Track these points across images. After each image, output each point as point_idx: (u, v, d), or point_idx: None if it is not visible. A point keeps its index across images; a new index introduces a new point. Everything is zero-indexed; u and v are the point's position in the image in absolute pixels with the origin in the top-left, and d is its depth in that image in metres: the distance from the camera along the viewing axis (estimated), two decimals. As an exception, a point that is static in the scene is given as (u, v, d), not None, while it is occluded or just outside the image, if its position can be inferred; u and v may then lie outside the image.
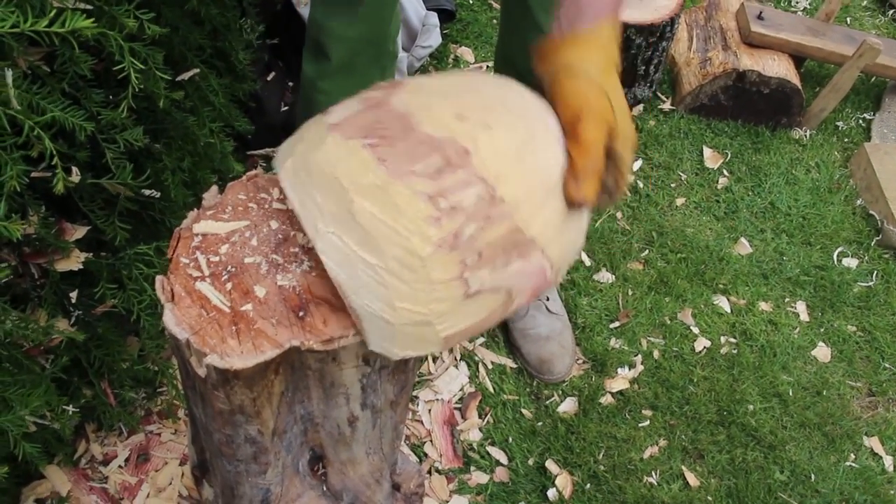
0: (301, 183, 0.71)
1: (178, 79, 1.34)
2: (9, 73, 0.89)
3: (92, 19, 0.85)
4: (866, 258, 2.19)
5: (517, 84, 0.78)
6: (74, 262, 1.16)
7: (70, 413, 1.23)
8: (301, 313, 0.72)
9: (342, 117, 0.72)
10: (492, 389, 1.78)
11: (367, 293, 0.68)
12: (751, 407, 1.82)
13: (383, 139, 0.68)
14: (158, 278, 0.71)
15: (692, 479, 1.69)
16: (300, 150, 0.72)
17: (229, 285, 0.73)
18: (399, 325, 0.68)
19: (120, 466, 1.52)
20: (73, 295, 1.22)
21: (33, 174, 1.03)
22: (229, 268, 0.74)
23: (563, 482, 1.65)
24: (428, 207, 0.65)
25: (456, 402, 1.76)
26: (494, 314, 0.71)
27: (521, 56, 1.48)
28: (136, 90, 1.02)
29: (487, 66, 2.50)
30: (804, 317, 2.04)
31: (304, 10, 2.07)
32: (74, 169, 1.04)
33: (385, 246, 0.66)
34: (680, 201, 2.25)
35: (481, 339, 1.86)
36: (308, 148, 0.71)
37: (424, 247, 0.65)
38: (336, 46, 1.44)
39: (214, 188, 0.81)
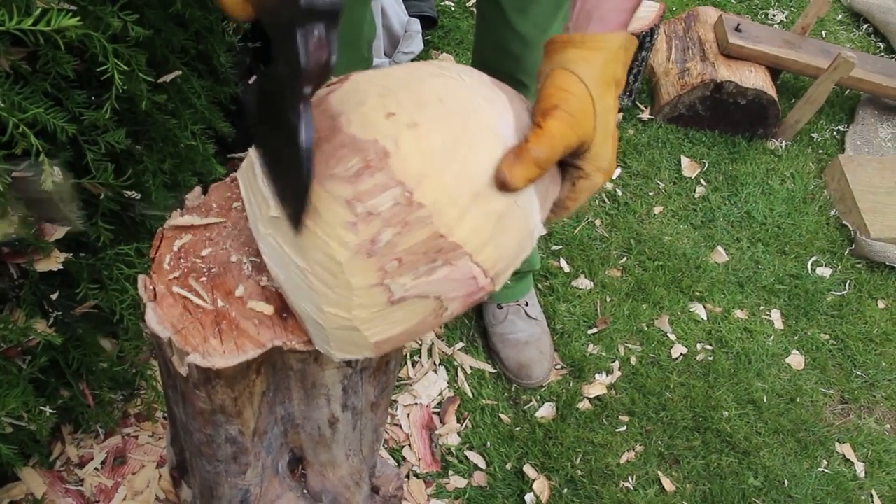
0: (248, 183, 0.71)
1: (161, 81, 1.33)
2: None
3: (77, 18, 0.85)
4: (839, 268, 2.23)
5: (471, 74, 0.74)
6: (54, 262, 1.15)
7: (47, 414, 1.23)
8: (284, 314, 0.73)
9: None
10: (470, 394, 1.79)
11: (301, 295, 0.67)
12: (726, 413, 1.85)
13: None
14: (141, 277, 0.71)
15: (668, 485, 1.71)
16: (251, 151, 0.72)
17: (212, 285, 0.73)
18: (329, 329, 0.67)
19: (96, 469, 1.51)
20: (54, 296, 1.21)
21: (14, 173, 1.02)
22: (212, 268, 0.75)
23: (541, 487, 1.66)
24: (345, 212, 0.63)
25: (434, 407, 1.76)
26: (427, 321, 0.69)
27: (496, 58, 1.49)
28: (120, 91, 1.02)
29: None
30: (779, 325, 2.07)
31: None
32: (56, 168, 1.03)
33: (309, 250, 0.65)
34: (658, 209, 2.28)
35: (460, 344, 1.87)
36: (254, 150, 0.72)
37: (342, 252, 0.63)
38: None
39: (198, 189, 0.82)
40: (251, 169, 0.71)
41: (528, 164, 0.67)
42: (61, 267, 1.17)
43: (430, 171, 0.64)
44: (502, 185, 0.67)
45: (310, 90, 0.59)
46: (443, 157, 0.65)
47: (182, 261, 0.75)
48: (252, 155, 0.72)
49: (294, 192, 0.64)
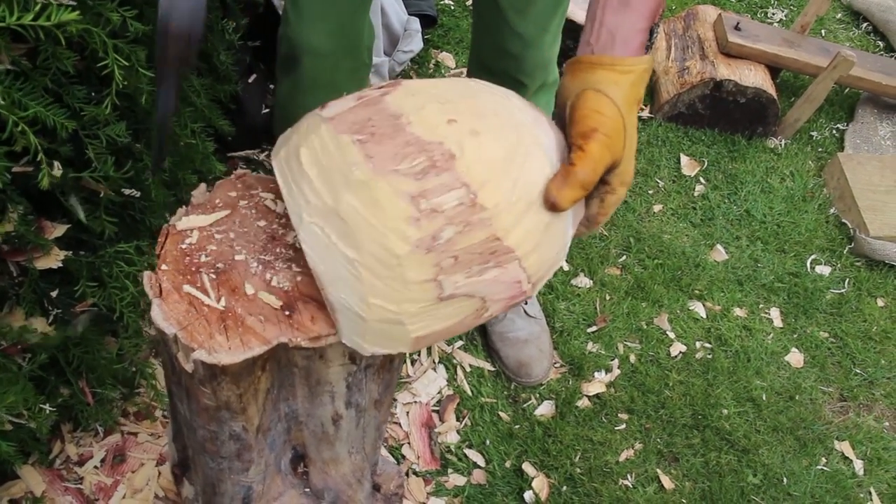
0: (291, 172, 0.72)
1: (161, 78, 1.33)
2: None
3: (77, 13, 0.84)
4: (839, 266, 2.23)
5: (515, 96, 0.78)
6: (54, 260, 1.15)
7: (47, 412, 1.22)
8: (288, 311, 0.72)
9: (336, 112, 0.72)
10: (470, 392, 1.79)
11: (343, 286, 0.68)
12: (725, 411, 1.85)
13: (373, 136, 0.68)
14: (146, 274, 0.71)
15: (667, 482, 1.71)
16: (294, 141, 0.73)
17: (218, 282, 0.73)
18: (371, 321, 0.68)
19: (95, 467, 1.51)
20: (54, 294, 1.21)
21: (14, 169, 1.02)
22: (218, 265, 0.75)
23: (540, 484, 1.66)
24: (408, 207, 0.65)
25: (434, 405, 1.76)
26: (467, 320, 0.71)
27: (495, 58, 1.48)
28: (120, 86, 1.02)
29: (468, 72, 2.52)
30: (778, 323, 2.07)
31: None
32: (56, 163, 1.03)
33: (364, 241, 0.66)
34: (657, 208, 2.28)
35: (459, 342, 1.87)
36: (301, 139, 0.72)
37: (402, 246, 0.65)
38: (312, 61, 1.42)
39: (203, 186, 0.81)
40: (294, 157, 0.72)
41: (575, 186, 0.72)
42: (61, 265, 1.17)
43: (492, 176, 0.68)
44: (552, 207, 0.72)
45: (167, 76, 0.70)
46: (502, 166, 0.69)
47: (188, 258, 0.74)
48: (291, 141, 0.73)
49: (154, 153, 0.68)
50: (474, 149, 0.68)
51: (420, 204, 0.66)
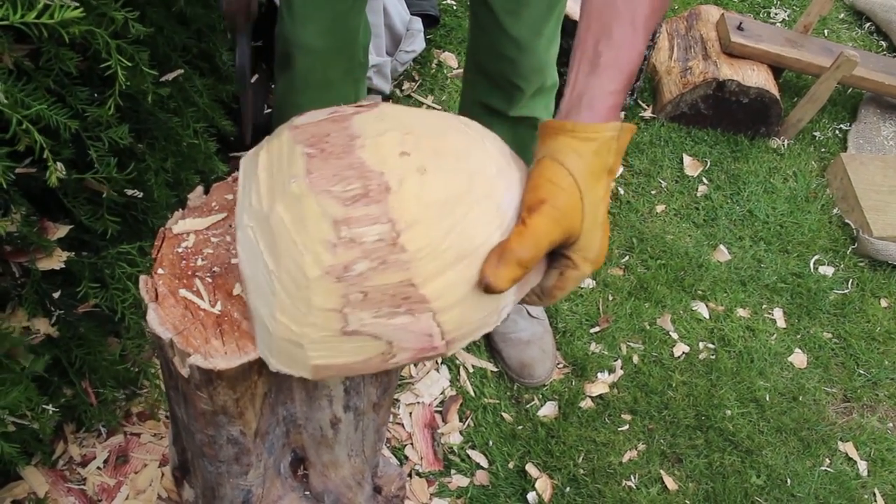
0: (248, 172, 0.71)
1: (163, 79, 1.33)
2: None
3: (80, 10, 0.85)
4: (842, 266, 2.22)
5: (498, 145, 0.75)
6: (56, 260, 1.15)
7: (50, 412, 1.22)
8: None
9: (305, 121, 0.72)
10: (473, 393, 1.79)
11: (260, 295, 0.67)
12: (728, 412, 1.84)
13: (321, 152, 0.67)
14: (142, 278, 0.71)
15: (670, 483, 1.71)
16: (264, 142, 0.73)
17: (214, 286, 0.73)
18: (276, 338, 0.67)
19: (98, 468, 1.51)
20: (56, 294, 1.21)
21: (18, 170, 1.02)
22: (214, 269, 0.75)
23: (543, 486, 1.66)
24: (329, 231, 0.63)
25: (437, 406, 1.76)
26: (372, 361, 0.68)
27: (491, 61, 1.48)
28: (123, 87, 1.02)
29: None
30: (781, 323, 2.07)
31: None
32: (60, 164, 1.03)
33: (283, 255, 0.65)
34: (660, 208, 2.27)
35: (462, 343, 1.87)
36: (267, 142, 0.72)
37: (313, 269, 0.63)
38: (304, 59, 1.41)
39: (200, 188, 0.81)
40: (255, 158, 0.71)
41: (511, 265, 0.66)
42: (63, 266, 1.17)
43: (423, 219, 0.64)
44: (487, 288, 0.66)
45: (238, 28, 0.66)
46: (439, 210, 0.65)
47: (184, 261, 0.74)
48: (262, 144, 0.73)
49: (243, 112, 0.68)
50: (414, 186, 0.65)
51: (341, 230, 0.63)
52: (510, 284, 0.67)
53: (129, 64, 1.04)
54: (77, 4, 0.88)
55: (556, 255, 0.72)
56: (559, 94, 0.73)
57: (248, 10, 0.68)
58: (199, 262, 0.75)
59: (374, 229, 0.63)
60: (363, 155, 0.66)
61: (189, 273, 0.74)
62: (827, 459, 1.81)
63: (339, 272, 0.63)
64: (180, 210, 0.79)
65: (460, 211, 0.66)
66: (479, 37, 1.48)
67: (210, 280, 0.74)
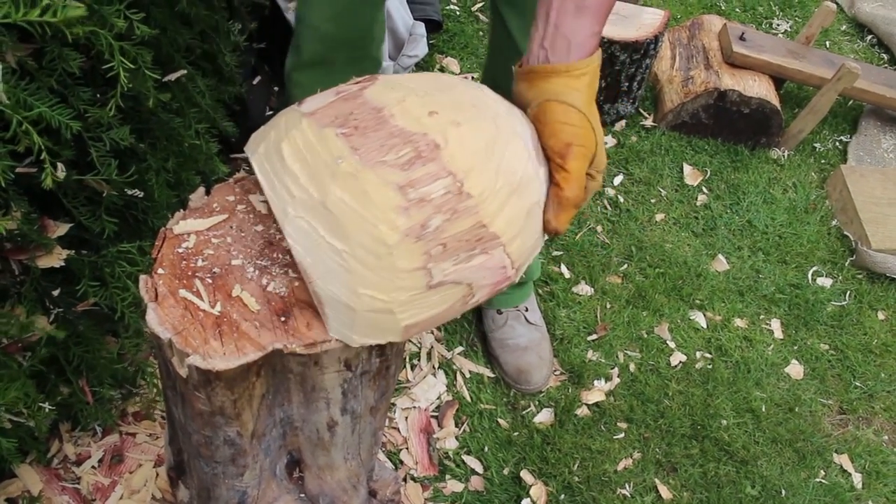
0: (273, 168, 0.72)
1: (166, 79, 1.34)
2: None
3: (84, 8, 0.85)
4: (840, 278, 2.23)
5: (487, 89, 0.81)
6: (56, 259, 1.15)
7: (46, 410, 1.23)
8: (284, 317, 0.73)
9: (316, 107, 0.73)
10: (469, 398, 1.79)
11: (331, 278, 0.69)
12: (724, 422, 1.84)
13: (356, 129, 0.69)
14: (142, 277, 0.71)
15: (665, 492, 1.71)
16: (273, 137, 0.74)
17: (214, 287, 0.73)
18: (361, 312, 0.69)
19: (93, 467, 1.51)
20: (55, 293, 1.21)
21: (18, 169, 1.02)
22: (214, 270, 0.75)
23: (538, 492, 1.66)
24: (397, 197, 0.67)
25: (433, 411, 1.76)
26: (455, 307, 0.73)
27: (505, 78, 1.49)
28: (125, 89, 1.02)
29: (473, 77, 2.52)
30: (778, 334, 2.07)
31: (291, 16, 2.07)
32: (60, 165, 1.03)
33: (353, 232, 0.67)
34: (659, 217, 2.28)
35: (459, 349, 1.87)
36: (281, 135, 0.72)
37: (391, 235, 0.66)
38: (309, 38, 1.43)
39: (201, 189, 0.82)
40: (276, 153, 0.72)
41: (570, 209, 0.77)
42: (63, 264, 1.17)
43: (475, 165, 0.70)
44: (555, 233, 0.76)
45: None
46: (485, 154, 0.71)
47: (184, 262, 0.75)
48: (270, 137, 0.74)
49: None
50: (457, 139, 0.70)
51: (408, 193, 0.67)
52: (569, 224, 0.78)
53: (132, 66, 1.04)
54: (79, 4, 0.88)
55: None
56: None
57: None
58: (200, 263, 0.75)
59: (438, 184, 0.68)
60: (398, 122, 0.70)
61: (189, 273, 0.74)
62: (822, 471, 1.81)
63: (417, 232, 0.67)
64: (181, 210, 0.79)
65: (499, 150, 0.72)
66: (496, 55, 1.50)
67: (210, 281, 0.74)
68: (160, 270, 0.74)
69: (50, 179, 0.98)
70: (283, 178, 0.71)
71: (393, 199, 0.66)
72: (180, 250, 0.76)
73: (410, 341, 1.85)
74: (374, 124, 0.70)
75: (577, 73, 0.77)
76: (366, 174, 0.67)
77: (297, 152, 0.71)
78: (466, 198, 0.68)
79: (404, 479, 1.64)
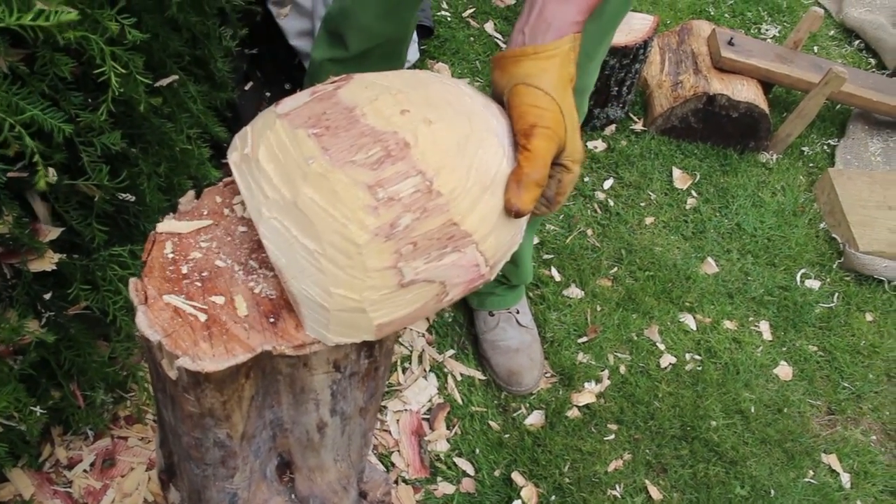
0: (249, 169, 0.73)
1: (157, 85, 1.34)
2: None
3: (77, 12, 0.85)
4: (828, 280, 2.25)
5: (465, 84, 0.80)
6: (48, 262, 1.16)
7: (38, 414, 1.23)
8: (273, 318, 0.73)
9: (291, 108, 0.74)
10: (460, 401, 1.80)
11: (305, 278, 0.69)
12: (714, 423, 1.86)
13: (328, 129, 0.70)
14: (132, 280, 0.72)
15: (655, 493, 1.72)
16: (249, 138, 0.75)
17: (203, 290, 0.74)
18: (334, 311, 0.70)
19: (85, 471, 1.52)
20: (47, 296, 1.22)
21: (10, 174, 1.03)
22: (203, 272, 0.76)
23: (529, 494, 1.67)
24: (366, 196, 0.67)
25: (424, 413, 1.77)
26: (428, 305, 0.73)
27: None
28: (116, 94, 1.03)
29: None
30: (767, 336, 2.08)
31: (284, 22, 2.09)
32: (51, 169, 1.04)
33: (323, 232, 0.67)
34: (649, 220, 2.29)
35: (451, 351, 1.88)
36: (257, 136, 0.74)
37: (361, 234, 0.67)
38: (357, 38, 1.47)
39: (191, 193, 0.82)
40: (252, 154, 0.73)
41: (530, 188, 0.74)
42: (55, 267, 1.18)
43: (446, 163, 0.70)
44: (517, 214, 0.74)
45: None
46: (456, 152, 0.71)
47: (174, 265, 0.75)
48: (249, 140, 0.75)
49: None
50: (428, 137, 0.70)
51: (377, 193, 0.67)
52: (533, 204, 0.75)
53: (124, 71, 1.05)
54: (71, 9, 0.89)
55: (551, 167, 0.78)
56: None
57: None
58: (189, 266, 0.76)
59: (408, 183, 0.68)
60: (368, 121, 0.71)
61: (178, 277, 0.75)
62: (810, 471, 1.83)
63: (386, 231, 0.67)
64: (171, 214, 0.80)
65: (471, 148, 0.71)
66: None
67: (199, 284, 0.75)
68: (149, 274, 0.74)
69: (43, 182, 0.99)
70: (258, 178, 0.72)
71: (362, 199, 0.67)
72: (169, 254, 0.77)
73: (401, 344, 1.86)
74: (346, 124, 0.71)
75: (545, 55, 0.76)
76: (335, 174, 0.67)
77: (271, 153, 0.71)
78: (436, 196, 0.68)
79: (396, 482, 1.65)
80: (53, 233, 1.18)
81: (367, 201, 0.67)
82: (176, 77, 1.40)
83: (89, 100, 1.12)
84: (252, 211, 0.72)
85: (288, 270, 0.70)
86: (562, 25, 0.78)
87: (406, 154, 0.69)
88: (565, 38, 0.77)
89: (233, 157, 0.76)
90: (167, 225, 0.79)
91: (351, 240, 0.67)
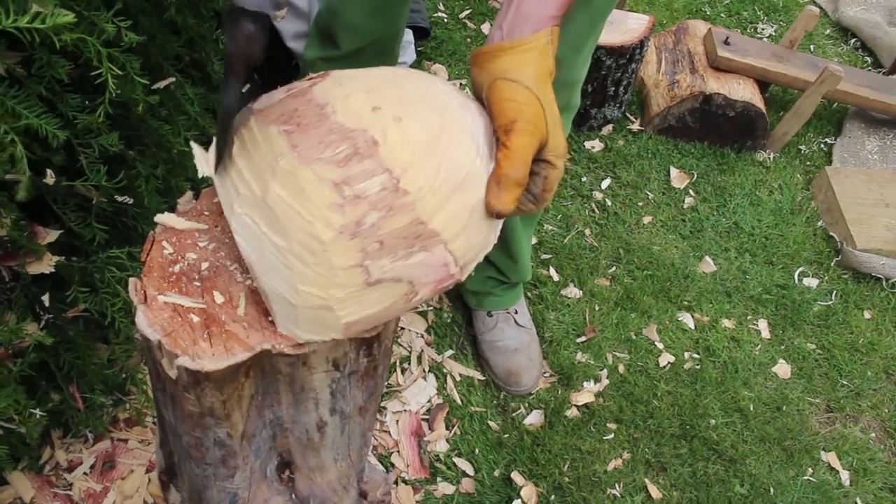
0: (223, 165, 0.74)
1: (154, 87, 1.35)
2: None
3: (73, 15, 0.86)
4: (826, 278, 2.25)
5: (443, 82, 0.80)
6: (46, 265, 1.16)
7: (37, 417, 1.23)
8: (272, 317, 0.74)
9: (266, 105, 0.74)
10: (459, 401, 1.80)
11: (274, 274, 0.69)
12: (713, 421, 1.86)
13: (298, 126, 0.70)
14: (132, 280, 0.72)
15: (655, 492, 1.72)
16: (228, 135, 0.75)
17: (202, 289, 0.74)
18: (301, 308, 0.70)
19: (85, 473, 1.52)
20: (45, 298, 1.22)
21: (7, 176, 1.03)
22: (202, 271, 0.76)
23: (529, 493, 1.67)
24: (332, 194, 0.67)
25: (423, 414, 1.77)
26: (397, 304, 0.72)
27: None
28: (113, 95, 1.03)
29: (461, 84, 2.54)
30: (765, 334, 2.09)
31: (280, 24, 2.09)
32: (49, 171, 1.04)
33: (291, 229, 0.67)
34: (647, 220, 2.30)
35: (450, 352, 1.88)
36: (232, 132, 0.74)
37: (326, 232, 0.66)
38: (347, 36, 1.47)
39: (189, 194, 0.83)
40: (227, 150, 0.74)
41: (510, 188, 0.73)
42: (53, 270, 1.18)
43: (415, 161, 0.69)
44: (497, 215, 0.73)
45: (234, 73, 0.72)
46: (426, 150, 0.70)
47: (173, 265, 0.76)
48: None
49: (216, 145, 0.73)
50: (397, 135, 0.69)
51: (343, 190, 0.67)
52: (514, 204, 0.74)
53: (121, 72, 1.05)
54: (68, 11, 0.89)
55: (535, 163, 0.77)
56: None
57: (249, 55, 0.70)
58: (187, 266, 0.76)
59: (374, 181, 0.67)
60: (339, 119, 0.70)
61: (177, 276, 0.75)
62: (810, 469, 1.83)
63: (352, 229, 0.67)
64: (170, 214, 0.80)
65: (442, 147, 0.70)
66: None
67: (198, 283, 0.75)
68: (149, 273, 0.74)
69: (24, 192, 0.99)
70: (231, 174, 0.72)
71: (328, 196, 0.67)
72: (168, 253, 0.77)
73: (400, 344, 1.86)
74: (316, 121, 0.70)
75: (522, 49, 0.75)
76: (303, 171, 0.67)
77: (244, 149, 0.72)
78: (403, 194, 0.68)
79: (395, 482, 1.65)
80: (52, 235, 1.18)
81: (333, 199, 0.66)
82: (173, 79, 1.40)
83: (87, 102, 1.13)
84: (225, 207, 0.73)
85: (258, 266, 0.70)
86: (539, 19, 0.76)
87: (374, 152, 0.68)
88: (542, 31, 0.76)
89: (210, 154, 0.76)
90: (166, 217, 0.79)
91: (317, 237, 0.66)
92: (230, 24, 0.72)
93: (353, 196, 0.67)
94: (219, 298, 0.74)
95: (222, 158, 0.75)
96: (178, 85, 1.43)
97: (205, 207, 0.82)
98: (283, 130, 0.70)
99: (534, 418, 1.80)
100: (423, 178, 0.69)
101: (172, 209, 0.83)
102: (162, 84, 1.37)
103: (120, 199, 1.26)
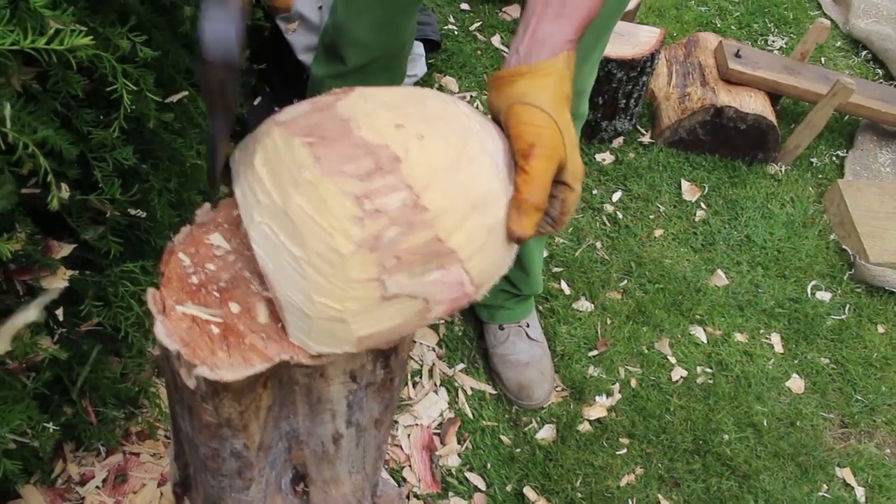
0: (245, 174, 0.74)
1: (168, 101, 1.35)
2: (7, 106, 0.91)
3: (90, 38, 0.86)
4: (839, 292, 2.24)
5: (464, 104, 0.80)
6: (60, 279, 1.16)
7: (50, 431, 1.23)
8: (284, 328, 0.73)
9: (290, 117, 0.75)
10: (471, 415, 1.79)
11: (289, 284, 0.69)
12: (726, 436, 1.85)
13: (322, 139, 0.70)
14: (150, 290, 0.72)
15: (668, 507, 1.71)
16: (250, 145, 0.75)
17: (220, 300, 0.74)
18: (316, 319, 0.69)
19: (97, 487, 1.51)
20: (59, 312, 1.22)
21: (23, 191, 1.04)
22: (220, 283, 0.76)
23: (541, 508, 1.66)
24: (353, 207, 0.67)
25: (435, 428, 1.77)
26: (411, 321, 0.72)
27: None
28: (128, 111, 1.04)
29: (472, 96, 2.55)
30: (778, 348, 2.07)
31: (292, 37, 2.10)
32: (64, 185, 1.05)
33: (310, 240, 0.67)
34: (658, 233, 2.29)
35: (461, 365, 1.87)
36: (255, 142, 0.74)
37: (345, 244, 0.66)
38: (354, 52, 1.47)
39: (207, 205, 0.83)
40: (249, 159, 0.74)
41: (531, 213, 0.74)
42: (67, 284, 1.18)
43: (435, 179, 0.69)
44: (518, 240, 0.74)
45: (215, 108, 0.75)
46: (447, 169, 0.70)
47: (191, 275, 0.76)
48: (248, 145, 0.76)
49: (207, 168, 0.75)
50: (419, 152, 0.70)
51: (364, 204, 0.67)
52: (534, 229, 0.74)
53: (135, 88, 1.05)
54: (85, 29, 0.90)
55: (553, 185, 0.77)
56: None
57: (225, 98, 0.71)
58: (206, 276, 0.76)
59: (395, 196, 0.68)
60: (362, 134, 0.71)
61: (196, 287, 0.75)
62: (824, 485, 1.81)
63: (371, 243, 0.67)
64: (188, 226, 0.80)
65: (463, 166, 0.71)
66: None
67: (217, 294, 0.75)
68: (168, 284, 0.75)
69: (56, 202, 1.00)
70: (252, 183, 0.72)
71: (349, 209, 0.67)
72: (187, 265, 0.77)
73: (412, 358, 1.86)
74: (340, 135, 0.71)
75: (541, 73, 0.76)
76: (325, 183, 0.67)
77: (266, 159, 0.72)
78: (423, 211, 0.68)
79: (407, 497, 1.64)
80: (66, 249, 1.18)
81: (353, 212, 0.67)
82: (186, 93, 1.41)
83: (101, 117, 1.13)
84: (244, 215, 0.73)
85: (274, 276, 0.71)
86: (556, 43, 0.77)
87: (396, 168, 0.68)
88: (560, 55, 0.77)
89: (233, 162, 0.77)
90: (203, 215, 0.81)
91: (335, 249, 0.67)
92: (202, 74, 0.73)
93: (373, 210, 0.67)
94: (237, 309, 0.74)
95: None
96: (191, 98, 1.44)
97: (223, 220, 0.83)
98: (306, 142, 0.70)
99: (546, 433, 1.79)
100: (443, 196, 0.69)
101: (186, 222, 0.83)
102: (175, 98, 1.37)
103: (133, 212, 1.27)
